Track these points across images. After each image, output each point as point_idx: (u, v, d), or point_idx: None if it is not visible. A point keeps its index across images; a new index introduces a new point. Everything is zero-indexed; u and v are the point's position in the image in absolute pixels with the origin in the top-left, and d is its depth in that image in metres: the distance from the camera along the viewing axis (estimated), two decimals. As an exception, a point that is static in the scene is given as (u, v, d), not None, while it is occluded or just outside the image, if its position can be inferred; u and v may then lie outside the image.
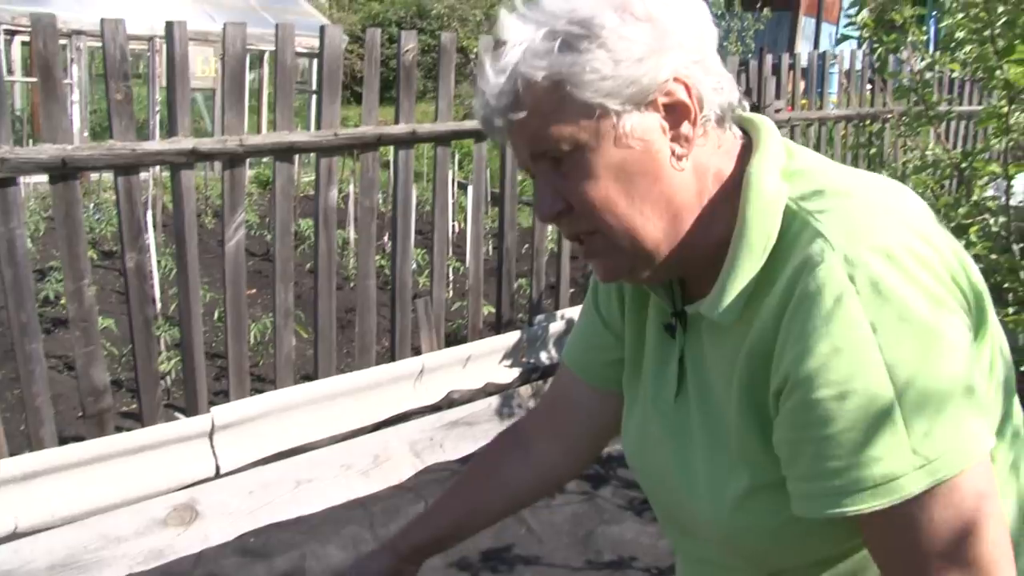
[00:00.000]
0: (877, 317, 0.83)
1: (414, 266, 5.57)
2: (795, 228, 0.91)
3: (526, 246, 5.33)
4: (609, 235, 0.95)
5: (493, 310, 4.56)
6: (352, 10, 17.79)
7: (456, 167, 7.55)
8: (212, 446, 3.28)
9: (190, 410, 3.38)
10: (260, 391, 3.73)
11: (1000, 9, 2.77)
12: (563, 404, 1.32)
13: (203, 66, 9.56)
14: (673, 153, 0.94)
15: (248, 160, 3.43)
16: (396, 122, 3.70)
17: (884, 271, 0.84)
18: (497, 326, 4.36)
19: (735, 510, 0.97)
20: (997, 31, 2.79)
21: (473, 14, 12.23)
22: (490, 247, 6.38)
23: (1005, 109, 2.87)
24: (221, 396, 3.75)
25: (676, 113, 0.93)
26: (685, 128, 0.93)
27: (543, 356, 4.28)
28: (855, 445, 0.83)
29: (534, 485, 1.34)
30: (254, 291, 5.94)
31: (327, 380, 3.70)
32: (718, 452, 0.99)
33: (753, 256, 0.93)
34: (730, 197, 0.96)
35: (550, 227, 5.04)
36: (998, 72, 2.79)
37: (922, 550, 0.85)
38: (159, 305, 4.87)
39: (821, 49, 9.70)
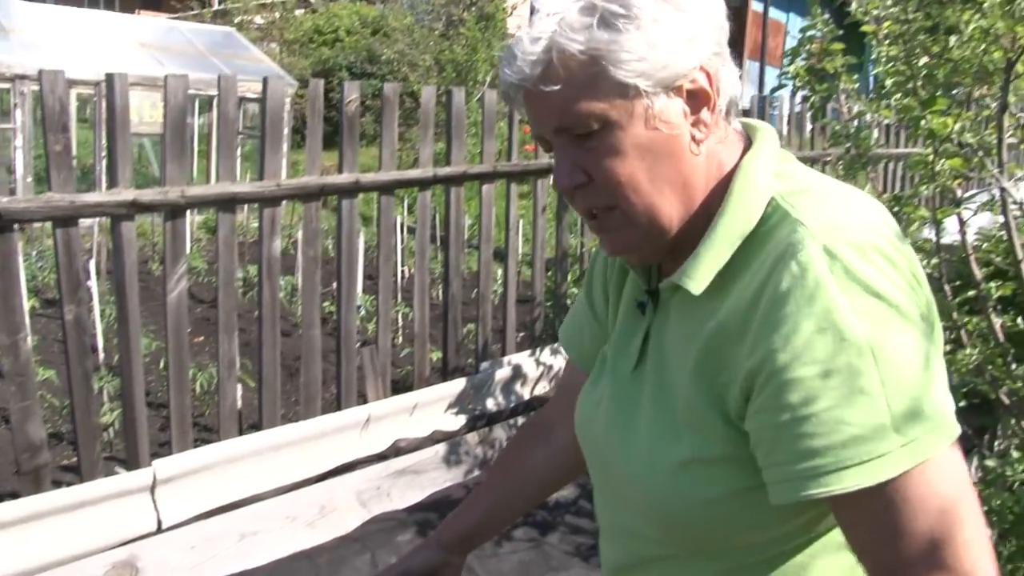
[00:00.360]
0: (855, 301, 0.86)
1: (363, 312, 5.56)
2: (776, 218, 0.96)
3: (476, 291, 5.36)
4: (628, 211, 0.99)
5: (441, 356, 4.56)
6: (303, 55, 17.77)
7: (406, 211, 7.57)
8: (154, 500, 3.23)
9: (131, 463, 3.33)
10: (207, 441, 3.68)
11: (921, 62, 2.86)
12: (570, 391, 1.35)
13: (151, 111, 9.51)
14: (693, 138, 0.99)
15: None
16: (340, 171, 3.71)
17: (860, 263, 0.88)
18: (444, 373, 4.36)
19: (669, 475, 0.99)
20: (920, 83, 2.88)
21: (423, 59, 12.28)
22: (439, 292, 6.39)
23: (931, 157, 2.95)
24: (166, 447, 3.70)
25: (697, 100, 0.98)
26: (704, 115, 0.99)
27: (490, 403, 4.28)
28: (839, 424, 0.85)
29: (559, 470, 1.39)
30: (201, 338, 5.88)
31: (272, 431, 3.67)
32: (664, 422, 1.02)
33: (731, 232, 0.97)
34: (727, 187, 1.01)
35: (499, 271, 5.07)
36: (923, 122, 2.88)
37: (901, 530, 0.86)
38: (102, 355, 4.80)
39: (765, 92, 9.91)
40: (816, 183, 1.00)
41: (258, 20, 19.52)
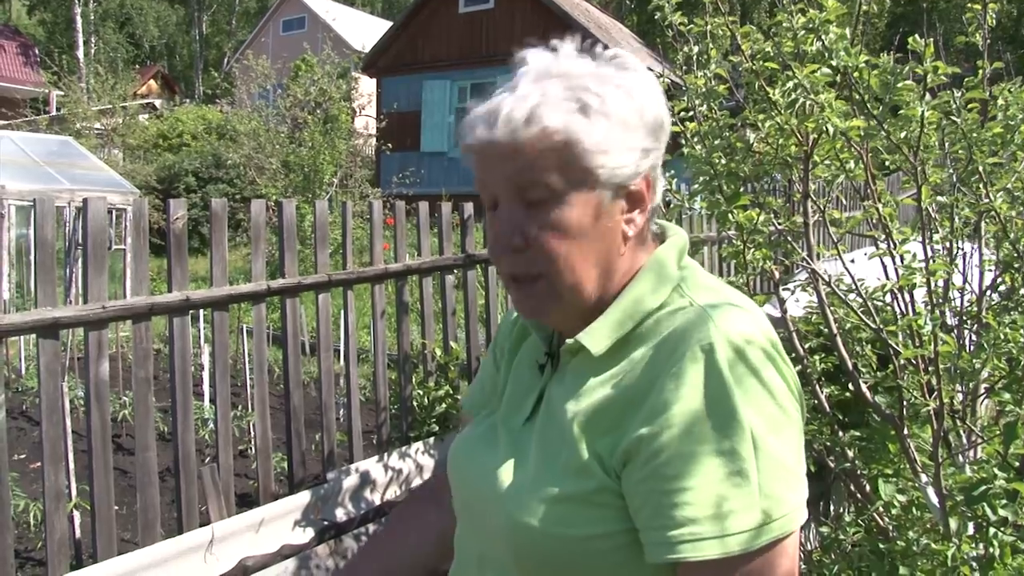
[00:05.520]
0: (747, 392, 0.98)
1: (211, 427, 5.41)
2: (679, 304, 1.09)
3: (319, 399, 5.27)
4: (555, 283, 1.09)
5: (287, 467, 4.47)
6: (147, 161, 17.44)
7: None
8: (-27, 652, 3.03)
9: (-53, 614, 3.12)
10: (37, 579, 3.49)
11: (722, 162, 3.06)
12: None
13: (-20, 224, 9.15)
14: (624, 234, 1.11)
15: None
16: (169, 290, 3.66)
17: (754, 360, 1.00)
18: (291, 485, 4.28)
19: (541, 510, 1.06)
20: (723, 181, 3.08)
21: (270, 163, 12.24)
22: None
23: (741, 247, 3.15)
24: (-11, 591, 3.48)
25: (634, 202, 1.11)
26: (637, 216, 1.12)
27: (339, 512, 4.21)
28: (718, 498, 0.95)
29: (447, 534, 1.41)
30: (38, 464, 5.60)
31: (105, 563, 3.49)
32: (548, 466, 1.09)
33: (636, 307, 1.10)
34: (637, 271, 1.14)
35: (341, 380, 5.04)
36: (730, 216, 3.07)
37: None
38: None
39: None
40: (715, 283, 1.14)
41: (98, 126, 19.11)
